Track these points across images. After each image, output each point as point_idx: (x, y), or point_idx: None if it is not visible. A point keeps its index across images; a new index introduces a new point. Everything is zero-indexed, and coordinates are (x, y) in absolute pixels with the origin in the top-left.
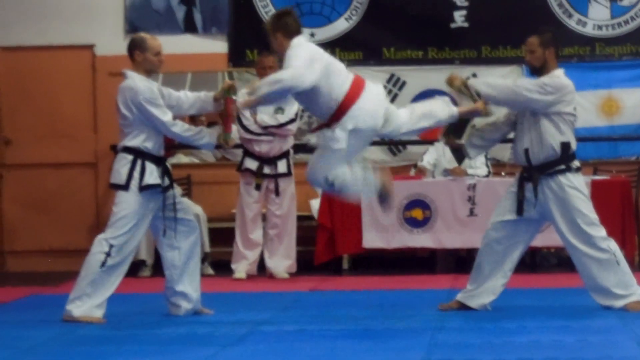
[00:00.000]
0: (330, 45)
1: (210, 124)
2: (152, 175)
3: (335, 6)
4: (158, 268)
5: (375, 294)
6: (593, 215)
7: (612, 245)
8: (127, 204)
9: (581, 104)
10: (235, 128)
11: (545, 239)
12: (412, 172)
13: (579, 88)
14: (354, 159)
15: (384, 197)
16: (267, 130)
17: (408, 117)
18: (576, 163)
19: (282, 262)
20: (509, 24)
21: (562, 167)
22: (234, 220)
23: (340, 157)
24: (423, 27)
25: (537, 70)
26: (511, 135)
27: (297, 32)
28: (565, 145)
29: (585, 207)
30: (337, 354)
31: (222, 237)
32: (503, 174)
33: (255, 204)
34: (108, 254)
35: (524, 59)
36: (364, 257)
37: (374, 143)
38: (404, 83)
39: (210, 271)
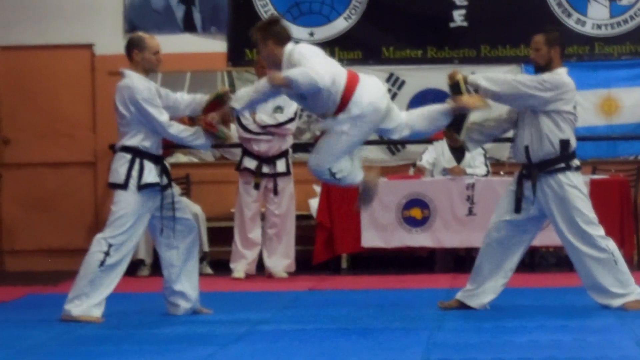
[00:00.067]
0: (329, 45)
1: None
2: (151, 174)
3: (335, 5)
4: (157, 267)
5: (374, 294)
6: (592, 215)
7: (611, 244)
8: (125, 203)
9: (580, 103)
10: (233, 127)
11: (543, 238)
12: (411, 172)
13: (578, 87)
14: (356, 151)
15: (365, 193)
16: (266, 129)
17: (407, 117)
18: (576, 162)
19: (280, 261)
20: (508, 24)
21: (562, 165)
22: (233, 220)
23: (345, 145)
24: (422, 27)
25: (541, 69)
26: (510, 134)
27: (288, 38)
28: (564, 143)
29: (585, 206)
30: (336, 353)
31: (220, 236)
32: (502, 173)
33: (254, 203)
34: (107, 254)
35: (523, 58)
36: (363, 257)
37: (373, 142)
38: (403, 82)
39: (209, 271)
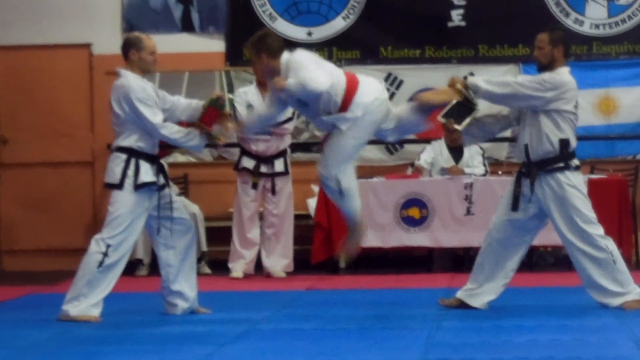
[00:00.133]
0: (327, 44)
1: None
2: (147, 173)
3: (333, 5)
4: (155, 267)
5: (372, 293)
6: (591, 214)
7: (610, 244)
8: (122, 203)
9: (578, 103)
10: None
11: (542, 238)
12: (409, 171)
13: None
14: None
15: (353, 236)
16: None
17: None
18: (575, 161)
19: (279, 261)
20: (507, 23)
21: (561, 164)
22: (231, 220)
23: (349, 147)
24: (420, 26)
25: (544, 67)
26: (507, 133)
27: (281, 49)
28: (563, 143)
29: (584, 205)
30: (334, 352)
31: (219, 236)
32: (500, 173)
33: (252, 203)
34: (105, 254)
35: (521, 58)
36: (361, 256)
37: (372, 142)
38: (401, 82)
39: (207, 270)
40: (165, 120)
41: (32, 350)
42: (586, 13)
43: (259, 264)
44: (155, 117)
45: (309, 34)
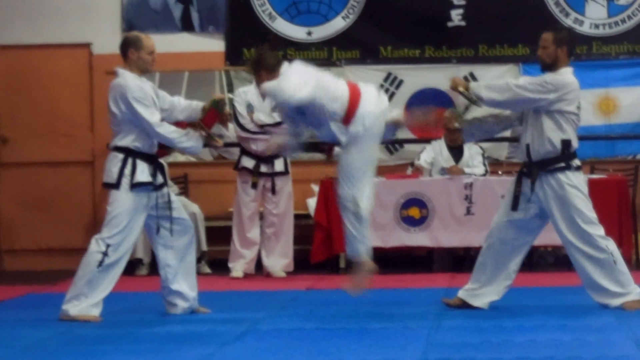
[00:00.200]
0: (327, 44)
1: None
2: (143, 173)
3: (332, 5)
4: (155, 267)
5: (373, 293)
6: (592, 214)
7: (611, 245)
8: (120, 202)
9: (581, 104)
10: (232, 127)
11: (542, 237)
12: (409, 171)
13: None
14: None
15: (360, 277)
16: (263, 128)
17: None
18: (577, 162)
19: (279, 260)
20: (506, 23)
21: (562, 164)
22: (231, 219)
23: (361, 161)
24: (420, 26)
25: (547, 67)
26: (507, 133)
27: (279, 63)
28: (565, 143)
29: (584, 205)
30: (335, 352)
31: (219, 235)
32: (500, 172)
33: (252, 202)
34: (105, 254)
35: (521, 58)
36: None
37: None
38: (401, 82)
39: (207, 270)
40: (162, 120)
41: (32, 349)
42: (586, 13)
43: (259, 264)
44: (152, 116)
45: (309, 33)
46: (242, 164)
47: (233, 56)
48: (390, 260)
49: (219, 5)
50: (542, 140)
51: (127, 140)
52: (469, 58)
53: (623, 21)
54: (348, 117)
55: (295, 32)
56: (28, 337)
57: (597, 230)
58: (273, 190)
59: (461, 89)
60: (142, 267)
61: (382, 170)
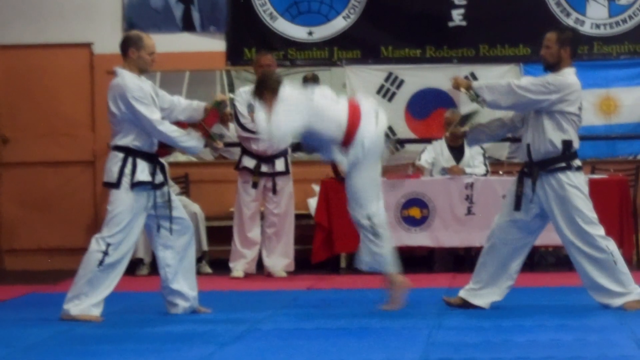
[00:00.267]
0: (328, 44)
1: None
2: (143, 172)
3: (334, 4)
4: (155, 266)
5: (373, 293)
6: (592, 214)
7: (611, 245)
8: (120, 201)
9: (582, 105)
10: (232, 126)
11: (543, 237)
12: (410, 171)
13: None
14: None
15: (395, 294)
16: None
17: None
18: (577, 162)
19: (279, 260)
20: (507, 23)
21: (563, 164)
22: (232, 219)
23: (366, 181)
24: (421, 26)
25: (550, 67)
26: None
27: (279, 85)
28: (566, 143)
29: (585, 206)
30: (335, 352)
31: (220, 235)
32: (501, 172)
33: (253, 202)
34: (105, 253)
35: (521, 58)
36: None
37: None
38: (401, 82)
39: (208, 270)
40: (162, 119)
41: (33, 349)
42: (587, 13)
43: (259, 264)
44: (153, 114)
45: (310, 33)
46: (243, 163)
47: (234, 56)
48: None
49: (220, 5)
50: (542, 141)
51: (127, 139)
52: (469, 58)
53: (624, 21)
54: (347, 140)
55: (296, 32)
56: (29, 336)
57: (598, 231)
58: (274, 190)
59: (463, 89)
60: (142, 267)
61: (383, 170)
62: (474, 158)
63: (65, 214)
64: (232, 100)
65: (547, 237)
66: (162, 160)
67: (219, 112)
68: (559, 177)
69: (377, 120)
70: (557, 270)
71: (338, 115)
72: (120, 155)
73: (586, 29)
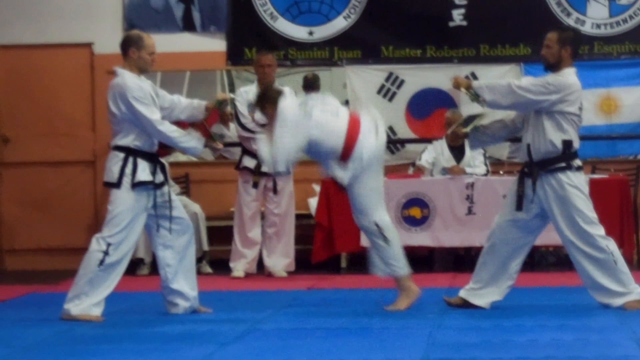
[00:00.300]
0: (328, 44)
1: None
2: (144, 172)
3: (334, 4)
4: (156, 266)
5: (374, 292)
6: (592, 214)
7: (611, 245)
8: (121, 201)
9: (582, 105)
10: (233, 126)
11: (544, 237)
12: (411, 171)
13: None
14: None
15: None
16: (265, 128)
17: None
18: (577, 162)
19: (280, 260)
20: (508, 23)
21: (563, 164)
22: (233, 219)
23: (369, 192)
24: (422, 26)
25: (550, 66)
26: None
27: (280, 97)
28: (566, 143)
29: (585, 205)
30: (336, 352)
31: (220, 235)
32: (501, 172)
33: (253, 202)
34: (106, 253)
35: (522, 58)
36: (362, 256)
37: None
38: (402, 82)
39: (208, 270)
40: (163, 118)
41: (33, 349)
42: (587, 13)
43: (260, 264)
44: (153, 114)
45: (310, 33)
46: (244, 163)
47: (234, 56)
48: None
49: (221, 5)
50: (543, 141)
51: (128, 139)
52: (470, 58)
53: (625, 21)
54: (345, 153)
55: (296, 32)
56: (29, 336)
57: (598, 230)
58: (274, 190)
59: (463, 89)
60: (143, 267)
61: (384, 170)
62: (474, 158)
63: (65, 214)
64: (232, 100)
65: (548, 237)
66: (163, 160)
67: (220, 111)
68: (559, 177)
69: (377, 133)
70: (558, 270)
71: (337, 129)
72: (121, 155)
73: (587, 28)
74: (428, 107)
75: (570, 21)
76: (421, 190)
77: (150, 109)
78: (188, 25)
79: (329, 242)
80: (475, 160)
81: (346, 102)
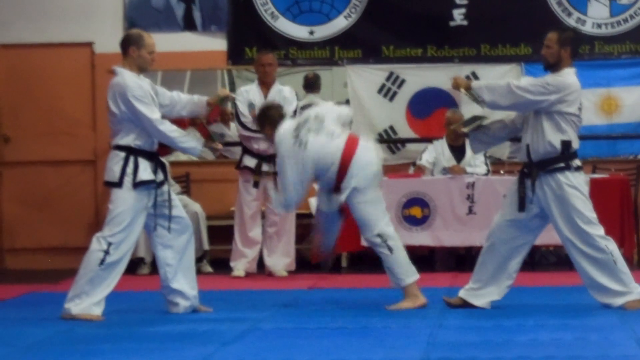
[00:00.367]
0: (329, 44)
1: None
2: (146, 171)
3: (335, 4)
4: (156, 266)
5: (374, 292)
6: (591, 214)
7: (611, 245)
8: (122, 200)
9: (582, 104)
10: (233, 126)
11: (544, 237)
12: (411, 170)
13: None
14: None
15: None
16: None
17: None
18: (577, 162)
19: (280, 260)
20: (509, 23)
21: (562, 165)
22: (233, 218)
23: (369, 209)
24: (422, 25)
25: (550, 66)
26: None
27: (281, 118)
28: (565, 144)
29: (584, 206)
30: (336, 351)
31: (221, 235)
32: (502, 172)
33: (254, 201)
34: (106, 252)
35: (523, 57)
36: (363, 255)
37: None
38: (403, 81)
39: (209, 269)
40: (163, 116)
41: (33, 348)
42: (588, 12)
43: (260, 263)
44: (153, 113)
45: (311, 32)
46: (244, 163)
47: (235, 55)
48: None
49: (221, 4)
50: (541, 141)
51: (129, 138)
52: (471, 57)
53: (625, 21)
54: (340, 175)
55: (297, 31)
56: (30, 335)
57: (597, 230)
58: (275, 190)
59: (463, 89)
60: (143, 266)
61: (384, 170)
62: (475, 157)
63: (66, 213)
64: (233, 100)
65: (548, 237)
66: (163, 159)
67: (222, 108)
68: (557, 178)
69: (373, 154)
70: (558, 270)
71: (333, 149)
72: (122, 154)
73: (587, 28)
74: (429, 106)
75: (571, 21)
76: (422, 190)
77: (150, 108)
78: (189, 25)
79: None
80: (475, 160)
81: (347, 102)
